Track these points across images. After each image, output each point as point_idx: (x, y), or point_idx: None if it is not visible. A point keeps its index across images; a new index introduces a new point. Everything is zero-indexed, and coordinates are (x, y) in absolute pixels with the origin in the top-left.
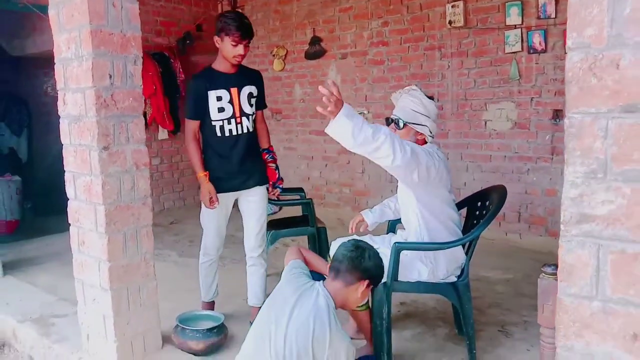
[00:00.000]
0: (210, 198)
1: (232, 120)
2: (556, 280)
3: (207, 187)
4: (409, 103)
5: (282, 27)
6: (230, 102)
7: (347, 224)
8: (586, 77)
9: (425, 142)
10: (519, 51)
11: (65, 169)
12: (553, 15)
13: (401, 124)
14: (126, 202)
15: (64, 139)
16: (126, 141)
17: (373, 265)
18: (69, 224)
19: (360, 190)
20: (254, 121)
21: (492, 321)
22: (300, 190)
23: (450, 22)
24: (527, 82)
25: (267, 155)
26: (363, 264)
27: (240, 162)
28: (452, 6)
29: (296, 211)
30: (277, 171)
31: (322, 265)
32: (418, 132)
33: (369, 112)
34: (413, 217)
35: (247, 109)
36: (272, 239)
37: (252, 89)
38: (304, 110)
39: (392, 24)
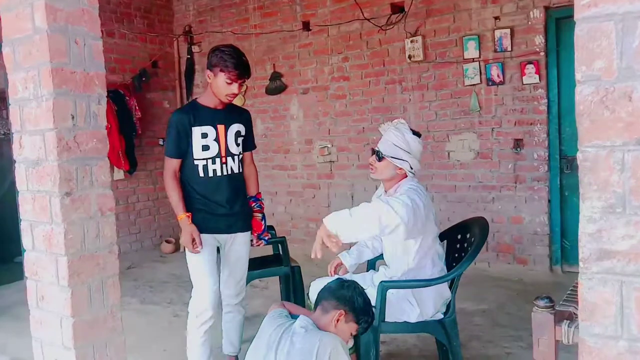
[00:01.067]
0: (193, 240)
1: (217, 160)
2: (550, 313)
3: (189, 228)
4: (392, 137)
5: None
6: (216, 140)
7: (315, 260)
8: (598, 110)
9: (404, 177)
10: (478, 83)
11: (21, 217)
12: (509, 49)
13: (380, 156)
14: (91, 252)
15: (20, 185)
16: (90, 185)
17: (351, 294)
18: (23, 274)
19: None
20: (241, 162)
21: (475, 355)
22: (270, 228)
23: (409, 57)
24: (487, 113)
25: (254, 204)
26: (340, 291)
27: (226, 204)
28: (411, 41)
29: (266, 250)
30: (263, 222)
31: (305, 312)
32: (397, 166)
33: (332, 145)
34: (405, 257)
35: (234, 149)
36: None
37: (240, 127)
38: (266, 146)
39: (353, 59)
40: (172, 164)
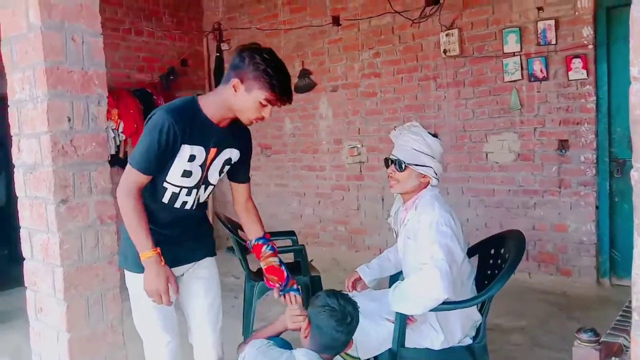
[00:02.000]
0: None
1: (193, 191)
2: (595, 349)
3: (162, 270)
4: (411, 142)
5: None
6: (202, 165)
7: (342, 265)
8: None
9: (427, 185)
10: (519, 79)
11: (21, 224)
12: (554, 42)
13: (402, 166)
14: (89, 262)
15: (19, 191)
16: (89, 192)
17: (315, 313)
18: None
19: (356, 228)
20: (213, 192)
21: None
22: (291, 233)
23: (445, 51)
24: (529, 111)
25: (264, 247)
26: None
27: (185, 229)
28: (447, 35)
29: (287, 256)
30: (283, 268)
31: (279, 325)
32: (421, 174)
33: (362, 145)
34: None
35: (213, 179)
36: (261, 291)
37: (234, 153)
38: (294, 145)
39: (384, 55)
40: (138, 180)
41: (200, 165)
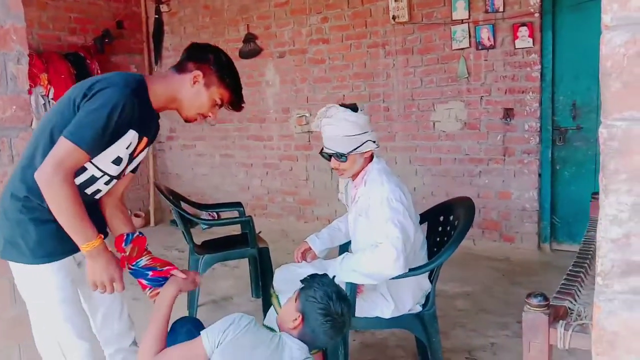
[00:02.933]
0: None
1: (112, 182)
2: (544, 313)
3: (112, 256)
4: (337, 130)
5: (212, 23)
6: (131, 154)
7: (291, 236)
8: (634, 67)
9: (372, 158)
10: (467, 47)
11: None
12: (501, 9)
13: (343, 157)
14: None
15: None
16: (10, 162)
17: (314, 315)
18: None
19: (305, 198)
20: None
21: (457, 346)
22: (238, 205)
23: (394, 17)
24: (476, 80)
25: (135, 246)
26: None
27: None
28: (396, 0)
29: (234, 228)
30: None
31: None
32: (364, 152)
33: (310, 114)
34: None
35: (129, 170)
36: (206, 265)
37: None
38: (240, 114)
39: (333, 20)
40: (79, 162)
41: (130, 154)
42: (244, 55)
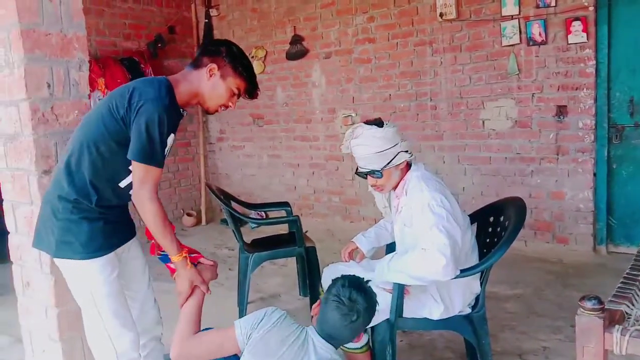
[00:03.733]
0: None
1: None
2: (599, 317)
3: (194, 271)
4: (367, 149)
5: (260, 26)
6: (168, 151)
7: (337, 235)
8: None
9: (409, 167)
10: (517, 43)
11: (3, 197)
12: (553, 4)
13: (378, 173)
14: None
15: (0, 161)
16: None
17: (326, 301)
18: None
19: (351, 198)
20: None
21: (507, 349)
22: (285, 204)
23: (441, 15)
24: (527, 77)
25: None
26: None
27: (125, 209)
28: None
29: (282, 227)
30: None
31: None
32: (399, 164)
33: (356, 114)
34: None
35: None
36: (255, 263)
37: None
38: (287, 115)
39: (379, 19)
40: (155, 176)
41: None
42: (290, 56)
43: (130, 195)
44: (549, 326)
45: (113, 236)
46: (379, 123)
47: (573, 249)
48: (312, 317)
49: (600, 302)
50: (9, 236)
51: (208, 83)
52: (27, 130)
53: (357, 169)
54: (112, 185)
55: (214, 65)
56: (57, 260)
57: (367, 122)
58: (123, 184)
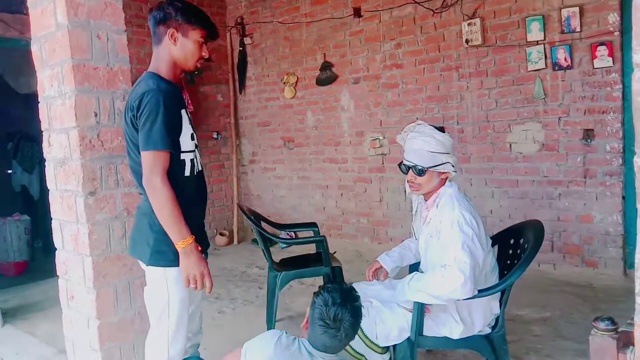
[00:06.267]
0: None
1: (198, 152)
2: (612, 337)
3: (201, 255)
4: (423, 144)
5: (291, 53)
6: (193, 126)
7: (365, 256)
8: None
9: (446, 180)
10: (543, 68)
11: (52, 216)
12: (578, 29)
13: (423, 171)
14: (117, 252)
15: (50, 184)
16: (115, 185)
17: (312, 313)
18: None
19: (379, 220)
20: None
21: None
22: (313, 225)
23: (467, 41)
24: (553, 100)
25: None
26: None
27: (205, 208)
28: (469, 24)
29: (311, 247)
30: None
31: None
32: (441, 172)
33: (384, 137)
34: None
35: (196, 139)
36: (283, 281)
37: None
38: (317, 138)
39: (406, 46)
40: (166, 162)
41: (192, 126)
42: (320, 82)
43: (200, 174)
44: (575, 350)
45: (201, 245)
46: (441, 128)
47: (602, 273)
48: (304, 329)
49: (614, 322)
50: (57, 252)
51: (176, 48)
52: (76, 155)
53: (401, 162)
54: (180, 180)
55: (172, 30)
56: (147, 268)
57: (432, 125)
58: (187, 171)
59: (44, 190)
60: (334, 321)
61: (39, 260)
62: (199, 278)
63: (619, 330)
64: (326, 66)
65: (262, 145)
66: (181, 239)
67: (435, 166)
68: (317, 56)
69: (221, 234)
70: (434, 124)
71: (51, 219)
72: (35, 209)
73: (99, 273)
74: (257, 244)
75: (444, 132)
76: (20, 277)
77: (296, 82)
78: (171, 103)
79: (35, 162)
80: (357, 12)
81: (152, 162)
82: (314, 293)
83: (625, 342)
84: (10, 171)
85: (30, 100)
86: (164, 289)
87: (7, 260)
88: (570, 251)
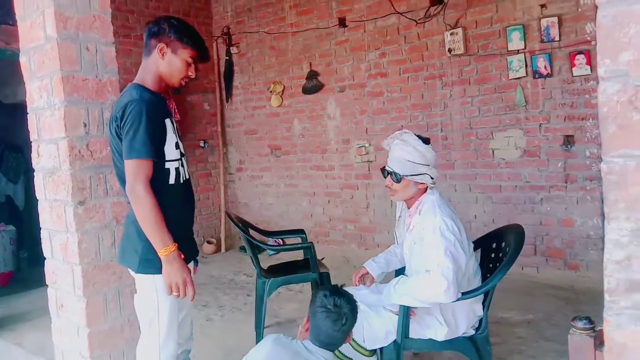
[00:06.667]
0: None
1: (183, 159)
2: (590, 336)
3: (184, 263)
4: (404, 153)
5: (278, 63)
6: (177, 134)
7: (352, 262)
8: (626, 112)
9: (426, 189)
10: (524, 76)
11: (41, 225)
12: (557, 38)
13: (399, 178)
14: (106, 261)
15: (39, 194)
16: (104, 194)
17: (313, 312)
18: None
19: (366, 226)
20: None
21: None
22: (301, 232)
23: (449, 50)
24: (534, 108)
25: None
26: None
27: (192, 218)
28: (451, 34)
29: (298, 254)
30: None
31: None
32: (418, 182)
33: (370, 145)
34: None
35: (182, 147)
36: (271, 288)
37: None
38: (303, 146)
39: (390, 55)
40: (146, 170)
41: (178, 135)
42: (307, 91)
43: (185, 183)
44: (557, 351)
45: (185, 253)
46: (426, 140)
47: (584, 276)
48: (305, 331)
49: (591, 322)
50: (46, 262)
51: (163, 62)
52: (65, 165)
53: (384, 166)
54: (165, 189)
55: (162, 45)
56: (137, 275)
57: (418, 135)
58: (172, 179)
59: (29, 201)
60: (334, 306)
61: (24, 270)
62: (182, 285)
63: (597, 329)
64: (312, 75)
65: (249, 154)
66: (163, 247)
67: (412, 175)
68: (303, 65)
69: (209, 242)
70: (420, 135)
71: (38, 229)
72: (21, 219)
73: (89, 281)
74: (245, 252)
75: (428, 143)
76: (6, 288)
77: (282, 90)
78: (154, 112)
79: (20, 172)
80: (342, 22)
81: (135, 170)
82: (312, 294)
83: (601, 340)
84: None
85: (15, 111)
86: (154, 295)
87: None
88: (553, 254)
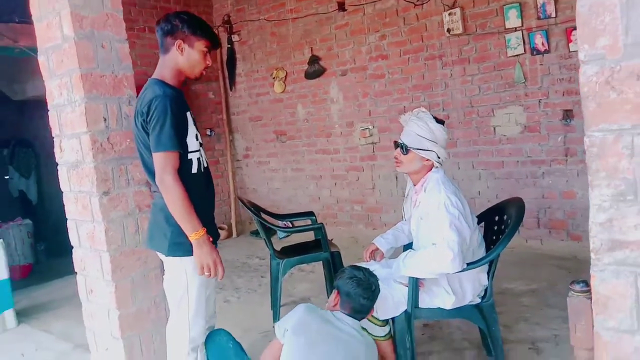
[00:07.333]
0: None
1: (202, 150)
2: (587, 298)
3: (212, 247)
4: (415, 127)
5: (279, 49)
6: (196, 126)
7: (361, 242)
8: (604, 91)
9: (432, 167)
10: (522, 53)
11: (67, 216)
12: (553, 15)
13: (406, 149)
14: (131, 247)
15: (64, 186)
16: (126, 184)
17: (344, 283)
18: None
19: (372, 206)
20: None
21: (521, 338)
22: (310, 214)
23: (448, 30)
24: (533, 84)
25: None
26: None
27: (213, 203)
28: (449, 14)
29: (308, 236)
30: None
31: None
32: (424, 157)
33: (373, 127)
34: None
35: (200, 138)
36: (286, 268)
37: None
38: (308, 130)
39: (390, 37)
40: (176, 161)
41: (195, 126)
42: (309, 75)
43: (207, 170)
44: (560, 317)
45: (212, 235)
46: (441, 121)
47: (586, 245)
48: (334, 306)
49: (587, 284)
50: (73, 250)
51: (183, 58)
52: (89, 158)
53: (395, 141)
54: (189, 178)
55: (179, 41)
56: (166, 258)
57: (434, 117)
58: (194, 169)
59: (41, 194)
60: (364, 275)
61: (42, 262)
62: (212, 266)
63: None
64: (314, 60)
65: (255, 140)
66: (193, 231)
67: (418, 149)
68: (304, 50)
69: (220, 228)
70: (436, 116)
71: (52, 222)
72: (35, 213)
73: (117, 267)
74: (257, 236)
75: (443, 124)
76: (27, 280)
77: (285, 76)
78: (177, 107)
79: (31, 168)
80: (341, 6)
81: (164, 162)
82: (336, 275)
83: None
84: (7, 177)
85: (25, 107)
86: (183, 276)
87: (12, 264)
88: (556, 226)
